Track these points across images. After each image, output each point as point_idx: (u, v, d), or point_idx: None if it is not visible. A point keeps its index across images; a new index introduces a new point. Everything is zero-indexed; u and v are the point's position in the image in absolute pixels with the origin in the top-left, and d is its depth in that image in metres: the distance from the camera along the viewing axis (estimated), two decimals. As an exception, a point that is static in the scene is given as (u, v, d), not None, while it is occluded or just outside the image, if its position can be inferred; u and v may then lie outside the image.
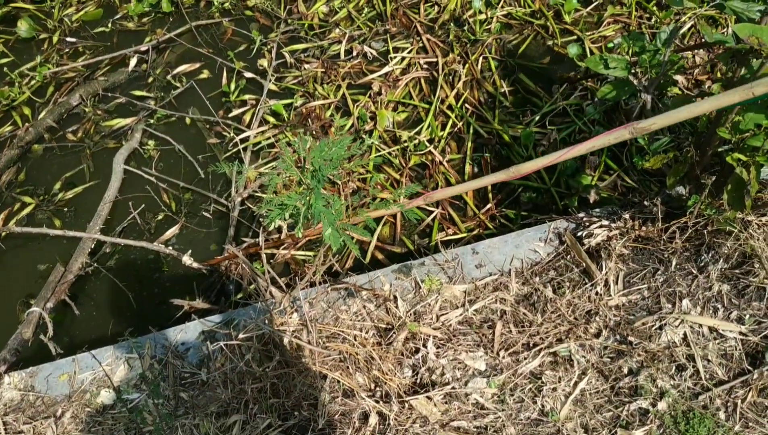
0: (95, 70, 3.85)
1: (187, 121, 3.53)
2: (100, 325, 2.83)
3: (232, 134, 3.44)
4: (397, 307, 2.14)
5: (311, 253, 2.99)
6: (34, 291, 3.01)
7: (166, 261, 3.08)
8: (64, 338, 2.76)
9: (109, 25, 4.07)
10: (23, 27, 4.01)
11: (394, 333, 2.05)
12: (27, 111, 3.71)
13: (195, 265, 2.94)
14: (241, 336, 1.89)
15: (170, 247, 2.99)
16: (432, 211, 3.03)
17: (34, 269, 3.11)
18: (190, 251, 2.97)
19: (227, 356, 1.98)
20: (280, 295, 1.96)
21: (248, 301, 2.15)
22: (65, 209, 3.29)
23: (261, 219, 3.10)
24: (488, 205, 3.01)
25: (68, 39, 3.97)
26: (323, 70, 3.64)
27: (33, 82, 3.82)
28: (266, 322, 1.86)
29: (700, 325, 1.98)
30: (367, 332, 2.01)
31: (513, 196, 3.04)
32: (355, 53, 3.68)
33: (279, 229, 3.04)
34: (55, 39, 4.04)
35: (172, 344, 2.24)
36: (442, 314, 2.12)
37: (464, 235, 2.92)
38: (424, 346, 1.99)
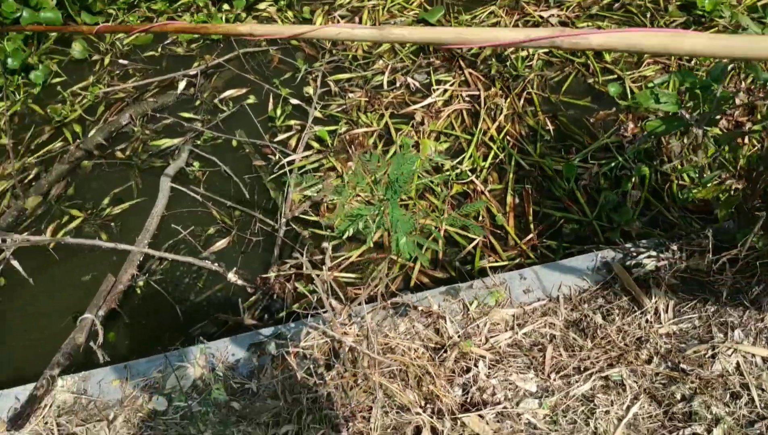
0: (144, 91, 3.97)
1: (234, 143, 3.62)
2: (146, 335, 2.87)
3: (277, 157, 3.51)
4: (446, 327, 2.16)
5: (353, 275, 3.03)
6: (79, 301, 3.07)
7: (208, 277, 3.12)
8: (111, 346, 2.81)
9: (159, 49, 4.21)
10: (77, 49, 4.16)
11: (445, 352, 2.08)
12: (78, 128, 3.82)
13: (239, 282, 2.99)
14: (303, 344, 1.92)
15: (215, 264, 3.04)
16: (474, 239, 3.07)
17: (79, 280, 3.16)
18: (234, 269, 3.03)
19: (282, 366, 2.01)
20: (339, 307, 2.00)
21: (306, 312, 2.18)
22: (112, 224, 3.36)
23: (313, 238, 3.14)
24: (530, 236, 3.04)
25: (120, 61, 4.11)
26: (366, 99, 3.73)
27: (84, 101, 3.94)
28: (328, 331, 1.89)
29: (753, 355, 1.99)
30: (416, 350, 2.03)
31: (554, 227, 3.07)
32: (398, 84, 3.77)
33: (323, 251, 3.09)
34: (106, 61, 4.18)
35: (222, 355, 2.28)
36: (492, 336, 2.15)
37: (506, 263, 2.95)
38: (476, 365, 2.01)
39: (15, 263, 2.74)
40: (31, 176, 3.59)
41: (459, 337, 2.12)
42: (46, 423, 2.12)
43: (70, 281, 3.15)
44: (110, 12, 4.46)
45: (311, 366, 1.87)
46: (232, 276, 2.99)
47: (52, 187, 3.53)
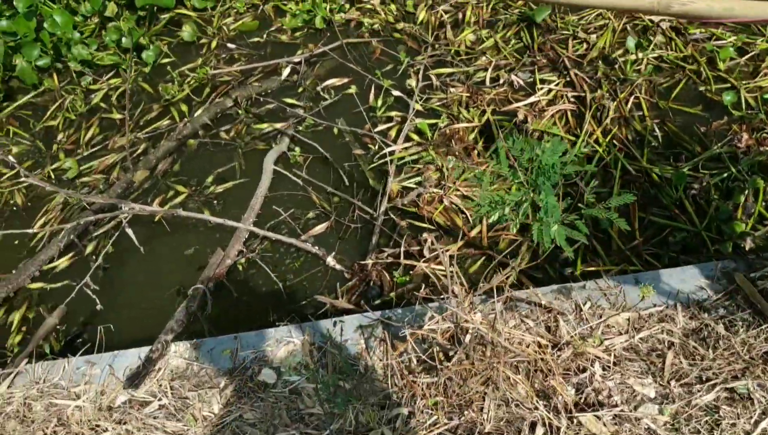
0: (249, 76, 4.06)
1: (335, 131, 3.66)
2: (248, 310, 2.93)
3: (377, 148, 3.53)
4: (560, 325, 2.13)
5: (444, 268, 3.01)
6: (182, 273, 3.16)
7: (306, 259, 3.16)
8: (216, 318, 2.88)
9: (264, 36, 4.29)
10: (187, 31, 4.28)
11: (559, 350, 2.04)
12: (184, 108, 3.93)
13: (338, 266, 3.02)
14: (426, 327, 1.92)
15: (316, 248, 3.08)
16: (577, 241, 3.01)
17: (181, 254, 3.26)
18: (333, 253, 3.06)
19: (396, 349, 2.02)
20: (462, 294, 1.99)
21: (431, 298, 2.18)
22: (215, 202, 3.45)
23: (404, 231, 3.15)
24: (635, 242, 2.97)
25: (229, 45, 4.21)
26: (468, 94, 3.71)
27: (192, 81, 4.05)
28: (459, 313, 1.89)
29: None
30: (531, 345, 2.01)
31: (661, 235, 2.98)
32: (501, 81, 3.73)
33: (422, 242, 3.09)
34: (213, 44, 4.29)
35: (329, 334, 2.30)
36: (606, 339, 2.10)
37: (609, 268, 2.89)
38: (591, 365, 1.97)
39: (129, 231, 2.85)
40: (139, 151, 3.72)
41: (572, 336, 2.08)
42: (161, 385, 2.19)
43: (173, 254, 3.24)
44: (217, -3, 4.57)
45: (435, 351, 1.87)
46: (330, 260, 3.03)
47: (159, 162, 3.64)
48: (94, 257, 3.29)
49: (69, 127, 3.96)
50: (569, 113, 3.55)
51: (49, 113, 4.03)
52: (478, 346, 1.81)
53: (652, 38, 3.80)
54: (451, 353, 1.87)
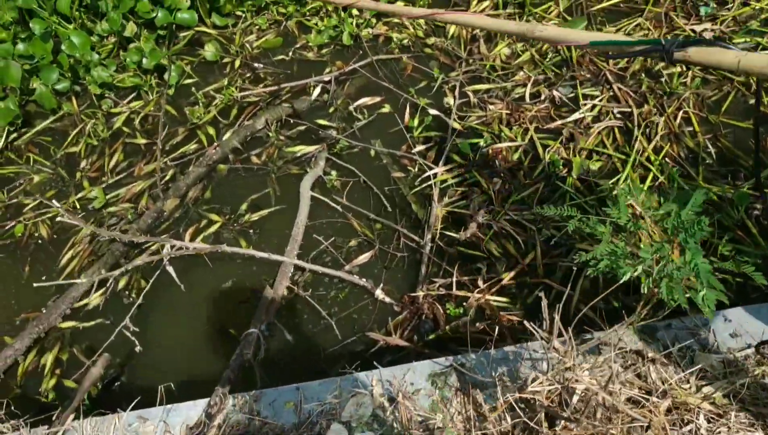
0: (277, 96, 3.91)
1: (372, 153, 3.51)
2: (299, 352, 2.79)
3: (416, 169, 3.39)
4: (651, 371, 1.99)
5: (505, 299, 2.87)
6: (222, 308, 3.02)
7: (351, 291, 3.02)
8: (267, 362, 2.73)
9: (290, 53, 4.14)
10: (210, 50, 4.14)
11: (652, 400, 1.90)
12: (211, 131, 3.78)
13: (387, 299, 2.88)
14: (530, 390, 1.78)
15: (363, 280, 2.94)
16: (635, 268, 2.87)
17: (219, 287, 3.11)
18: (381, 285, 2.92)
19: (496, 413, 1.87)
20: (562, 348, 1.84)
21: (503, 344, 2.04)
22: (251, 231, 3.31)
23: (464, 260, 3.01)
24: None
25: (256, 64, 4.06)
26: (508, 111, 3.57)
27: (218, 103, 3.90)
28: (557, 373, 1.74)
29: None
30: (634, 404, 1.87)
31: (726, 260, 2.84)
32: (543, 97, 3.59)
33: (477, 270, 2.95)
34: (237, 63, 4.14)
35: (400, 383, 2.16)
36: (703, 385, 1.96)
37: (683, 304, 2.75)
38: (696, 417, 1.83)
39: (170, 270, 2.70)
40: (167, 177, 3.57)
41: (669, 384, 1.94)
42: (222, 444, 2.05)
43: (211, 287, 3.10)
44: (239, 14, 4.42)
45: (538, 415, 1.72)
46: (380, 293, 2.89)
47: (189, 189, 3.49)
48: (126, 293, 3.14)
49: (92, 153, 3.80)
50: (616, 130, 3.42)
51: (69, 139, 3.88)
52: (588, 407, 1.67)
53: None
54: (553, 415, 1.73)
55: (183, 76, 4.08)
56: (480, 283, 2.89)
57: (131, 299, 3.10)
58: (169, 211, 3.40)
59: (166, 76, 4.00)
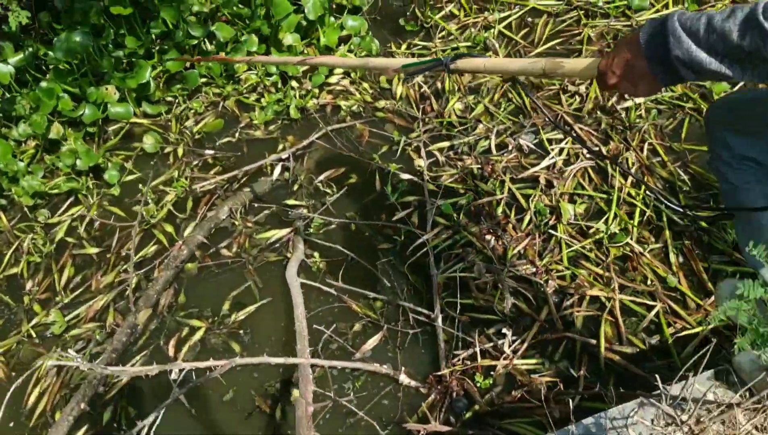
0: (233, 181, 3.68)
1: (352, 227, 3.35)
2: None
3: (403, 238, 3.26)
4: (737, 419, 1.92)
5: (534, 361, 2.77)
6: (230, 426, 2.73)
7: (366, 380, 2.82)
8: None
9: (236, 134, 3.93)
10: (149, 142, 3.86)
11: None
12: (169, 228, 3.49)
13: (413, 383, 2.70)
14: None
15: (384, 367, 2.75)
16: (652, 306, 2.86)
17: (220, 402, 2.82)
18: (402, 368, 2.74)
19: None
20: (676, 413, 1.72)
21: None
22: (240, 332, 3.04)
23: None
24: (712, 297, 2.85)
25: (201, 151, 3.81)
26: (479, 166, 3.53)
27: (169, 197, 3.62)
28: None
29: None
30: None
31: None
32: (510, 147, 3.58)
33: (497, 334, 2.83)
34: (180, 152, 3.88)
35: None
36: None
37: (698, 329, 2.75)
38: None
39: (181, 397, 2.41)
40: (132, 286, 3.23)
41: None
42: None
43: (211, 403, 2.80)
44: (170, 99, 4.17)
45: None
46: (404, 378, 2.72)
47: (160, 296, 3.18)
48: (115, 425, 2.77)
49: (36, 271, 3.41)
50: (590, 170, 3.44)
51: (6, 260, 3.45)
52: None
53: (640, 82, 3.78)
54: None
55: (124, 172, 3.76)
56: (506, 348, 2.76)
57: (122, 433, 2.73)
58: (143, 324, 3.07)
59: (106, 176, 3.67)
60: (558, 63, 1.60)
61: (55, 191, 3.69)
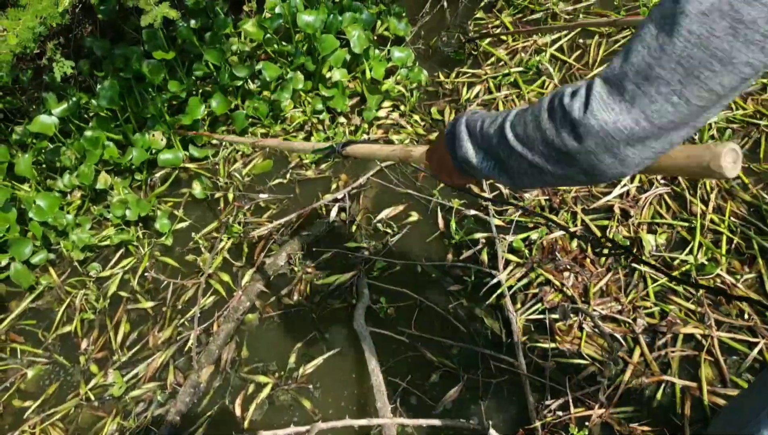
0: (288, 225, 3.53)
1: (419, 269, 3.18)
2: None
3: (473, 278, 3.08)
4: None
5: (631, 408, 2.55)
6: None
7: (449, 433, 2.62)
8: None
9: (287, 175, 3.80)
10: (197, 188, 3.73)
11: None
12: (226, 277, 3.35)
13: (503, 439, 2.49)
14: None
15: (472, 421, 2.55)
16: (755, 343, 2.64)
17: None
18: (490, 422, 2.54)
19: None
20: None
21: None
22: (310, 386, 2.86)
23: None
24: (820, 329, 2.63)
25: (252, 195, 3.68)
26: (546, 197, 3.34)
27: (224, 245, 3.48)
28: None
29: None
30: None
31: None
32: (578, 176, 3.39)
33: (588, 380, 2.62)
34: (230, 196, 3.75)
35: None
36: None
37: None
38: None
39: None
40: (191, 342, 3.08)
41: None
42: None
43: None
44: (215, 142, 4.06)
45: None
46: (493, 433, 2.50)
47: (222, 351, 3.02)
48: (186, 496, 2.60)
49: (90, 329, 3.27)
50: (666, 196, 3.24)
51: (59, 317, 3.32)
52: None
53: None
54: None
55: (175, 220, 3.63)
56: (600, 395, 2.55)
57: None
58: (206, 381, 2.91)
59: (157, 225, 3.54)
60: (408, 151, 1.68)
61: (105, 243, 3.57)
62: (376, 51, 4.18)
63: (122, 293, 3.37)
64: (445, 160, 1.27)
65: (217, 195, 3.76)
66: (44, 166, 3.86)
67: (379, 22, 4.28)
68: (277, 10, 4.08)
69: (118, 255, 3.57)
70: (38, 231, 3.45)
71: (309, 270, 3.29)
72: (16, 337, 3.29)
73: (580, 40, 4.16)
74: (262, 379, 2.90)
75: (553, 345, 2.79)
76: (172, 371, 3.00)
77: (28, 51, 2.90)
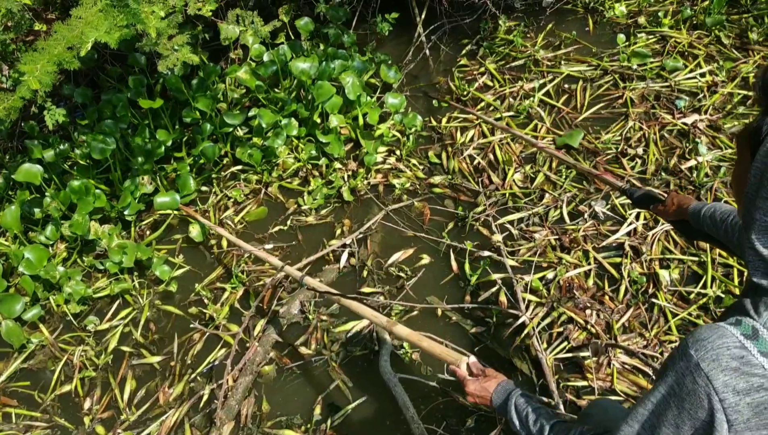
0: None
1: (439, 312, 3.14)
2: None
3: (495, 320, 3.06)
4: None
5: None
6: None
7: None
8: None
9: (287, 222, 3.72)
10: (195, 231, 3.61)
11: None
12: (235, 328, 3.21)
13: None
14: None
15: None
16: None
17: None
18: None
19: None
20: None
21: None
22: (339, 438, 2.75)
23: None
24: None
25: (267, 246, 3.57)
26: (556, 236, 3.38)
27: (227, 295, 3.35)
28: None
29: None
30: None
31: None
32: (585, 215, 3.45)
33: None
34: (224, 243, 3.63)
35: None
36: None
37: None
38: None
39: None
40: (205, 398, 2.93)
41: None
42: None
43: None
44: (204, 189, 3.95)
45: None
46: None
47: (240, 406, 2.88)
48: None
49: (92, 388, 3.07)
50: (672, 233, 3.33)
51: (56, 377, 3.10)
52: None
53: (698, 141, 3.74)
54: None
55: (174, 267, 3.49)
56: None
57: None
58: (228, 438, 2.76)
59: (157, 272, 3.39)
60: (455, 359, 1.84)
61: (100, 295, 3.38)
62: (368, 97, 4.19)
63: (124, 348, 3.18)
64: (485, 401, 1.61)
65: (212, 241, 3.64)
66: (23, 217, 3.65)
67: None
68: (266, 57, 4.05)
69: (115, 306, 3.38)
70: (29, 286, 3.25)
71: (324, 317, 3.20)
72: (10, 401, 3.05)
73: (566, 85, 4.27)
74: (287, 433, 2.77)
75: (584, 383, 2.78)
76: (188, 430, 2.83)
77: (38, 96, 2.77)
